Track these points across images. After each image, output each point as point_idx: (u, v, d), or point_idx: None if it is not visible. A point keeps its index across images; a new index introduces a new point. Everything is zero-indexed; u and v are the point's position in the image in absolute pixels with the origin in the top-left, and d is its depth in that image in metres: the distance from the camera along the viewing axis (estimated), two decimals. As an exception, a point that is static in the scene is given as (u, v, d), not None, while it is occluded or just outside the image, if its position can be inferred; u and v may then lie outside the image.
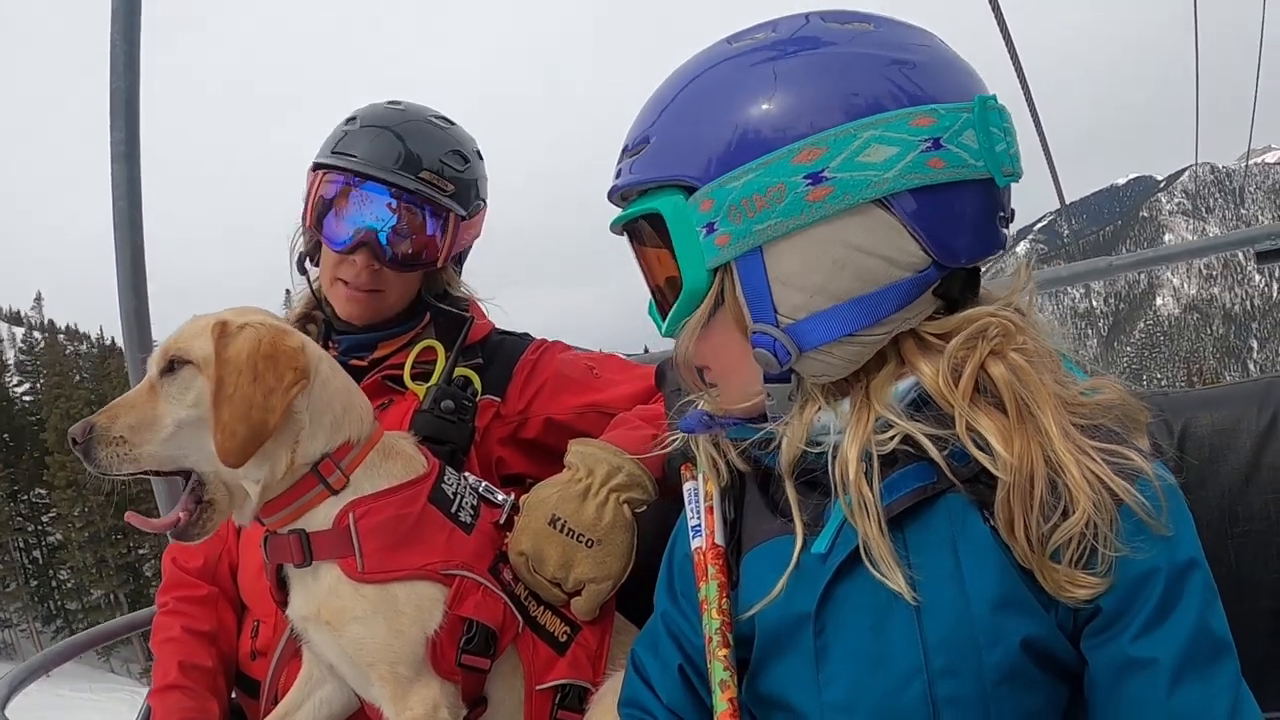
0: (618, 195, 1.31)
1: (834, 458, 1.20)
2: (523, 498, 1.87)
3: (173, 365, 1.67)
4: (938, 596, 1.16)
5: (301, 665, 1.88)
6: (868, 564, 1.17)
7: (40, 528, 61.80)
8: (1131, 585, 1.12)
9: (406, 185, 2.00)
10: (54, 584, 61.18)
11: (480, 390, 2.07)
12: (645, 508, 1.86)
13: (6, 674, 2.28)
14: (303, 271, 2.18)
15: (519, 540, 1.80)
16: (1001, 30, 6.45)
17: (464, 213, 2.08)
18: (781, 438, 1.24)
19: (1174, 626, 1.11)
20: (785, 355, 1.19)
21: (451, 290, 2.19)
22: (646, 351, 2.90)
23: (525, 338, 2.25)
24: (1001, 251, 1.25)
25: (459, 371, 2.06)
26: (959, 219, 1.18)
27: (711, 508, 1.36)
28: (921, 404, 1.19)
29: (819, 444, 1.23)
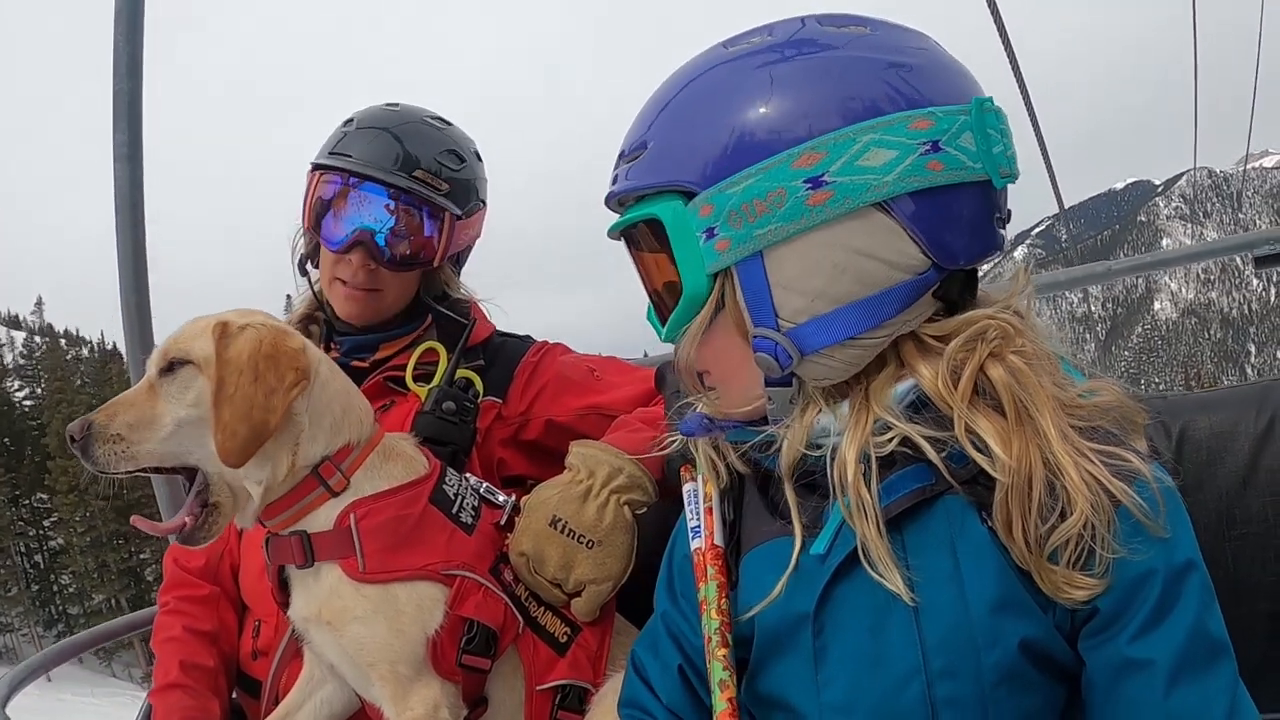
0: (615, 201, 1.31)
1: (833, 459, 1.21)
2: (524, 499, 1.88)
3: (172, 365, 1.67)
4: (936, 597, 1.16)
5: (303, 665, 1.89)
6: (866, 565, 1.18)
7: (42, 532, 61.80)
8: (1129, 586, 1.12)
9: (401, 185, 2.01)
10: (55, 588, 61.19)
11: (482, 392, 2.08)
12: (646, 509, 1.87)
13: (7, 673, 2.28)
14: (304, 273, 2.19)
15: (520, 541, 1.81)
16: (1001, 36, 6.47)
17: (459, 212, 2.09)
18: (782, 441, 1.25)
19: (1171, 628, 1.11)
20: (787, 359, 1.20)
21: (450, 291, 2.19)
22: (646, 356, 2.90)
23: (526, 340, 2.26)
24: (999, 253, 1.26)
25: (461, 373, 2.07)
26: (958, 221, 1.18)
27: (711, 509, 1.37)
28: (920, 406, 1.19)
29: (819, 446, 1.23)
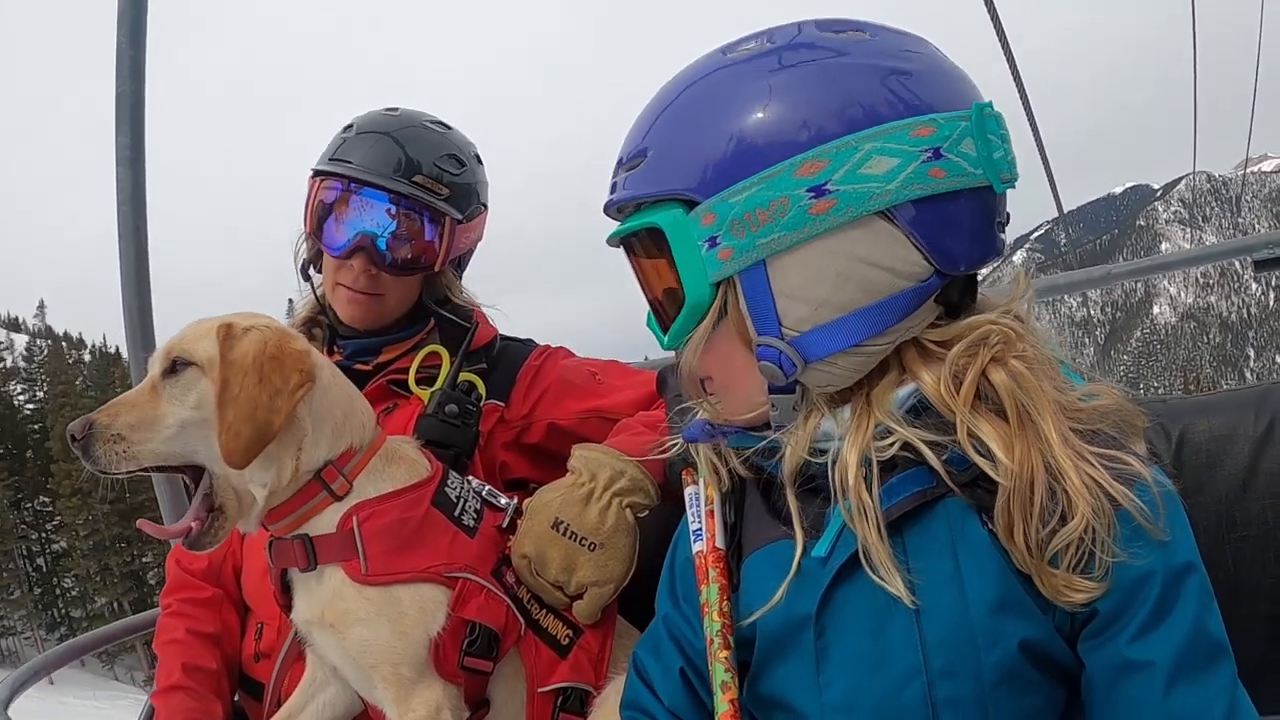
0: (614, 209, 1.31)
1: (834, 464, 1.21)
2: (526, 501, 1.89)
3: (175, 366, 1.67)
4: (937, 599, 1.17)
5: (305, 668, 1.89)
6: (867, 568, 1.18)
7: (44, 535, 61.82)
8: (1128, 588, 1.13)
9: (402, 190, 2.02)
10: (58, 592, 61.22)
11: (484, 395, 2.09)
12: (647, 512, 1.87)
13: (8, 676, 2.28)
14: (306, 278, 2.20)
15: (522, 543, 1.81)
16: (1001, 40, 6.48)
17: (460, 216, 2.09)
18: (785, 447, 1.25)
19: (1170, 629, 1.12)
20: (791, 367, 1.20)
21: (452, 295, 2.20)
22: (647, 360, 2.91)
23: (529, 343, 2.26)
24: (1000, 258, 1.26)
25: (463, 376, 2.07)
26: (959, 227, 1.19)
27: (712, 512, 1.37)
28: (921, 410, 1.20)
29: (821, 451, 1.23)
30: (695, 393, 1.34)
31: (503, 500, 1.89)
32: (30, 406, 67.06)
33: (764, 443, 1.27)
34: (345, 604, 1.68)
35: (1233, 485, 1.82)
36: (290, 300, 2.24)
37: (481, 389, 2.09)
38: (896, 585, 1.16)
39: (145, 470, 1.69)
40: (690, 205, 1.21)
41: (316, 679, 1.87)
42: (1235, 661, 1.15)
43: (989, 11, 6.01)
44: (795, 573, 1.24)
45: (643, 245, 1.28)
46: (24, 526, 61.09)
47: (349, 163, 2.05)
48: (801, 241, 1.16)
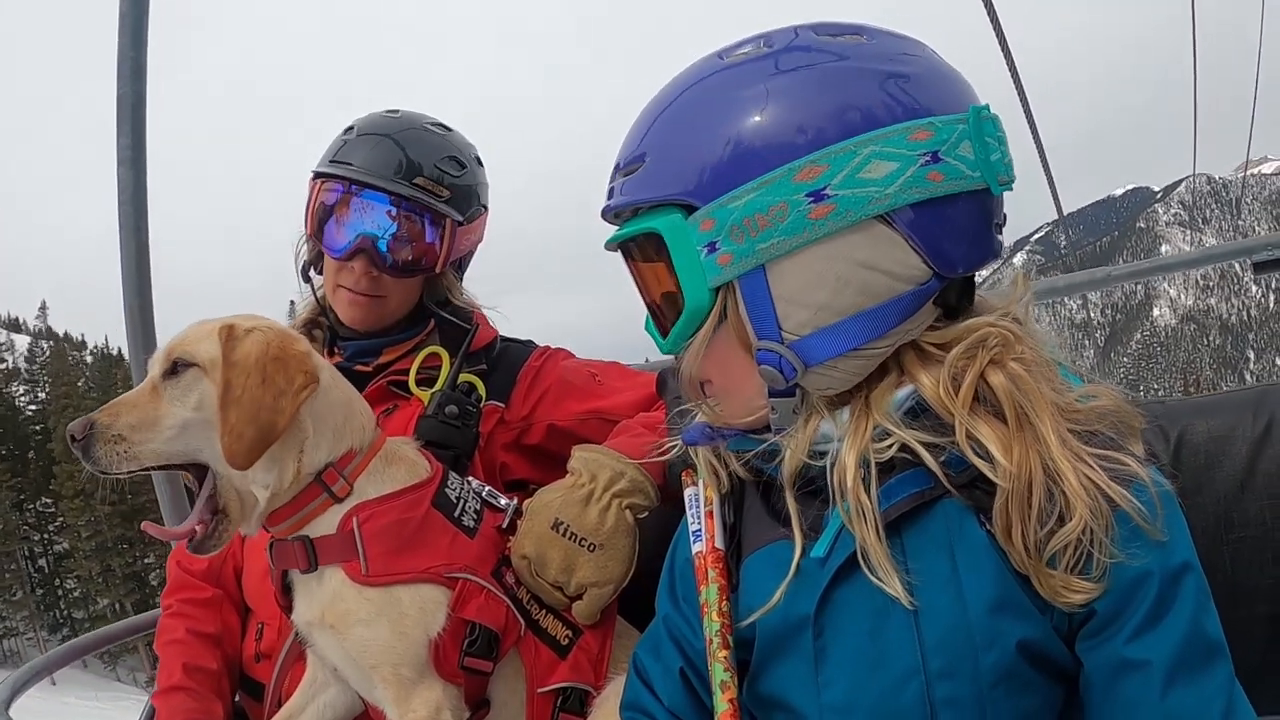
0: (611, 214, 1.31)
1: (833, 465, 1.22)
2: (526, 502, 1.89)
3: (176, 367, 1.68)
4: (935, 600, 1.18)
5: (306, 668, 1.89)
6: (865, 569, 1.19)
7: (47, 537, 61.86)
8: (1126, 588, 1.13)
9: (403, 192, 2.02)
10: (60, 592, 61.26)
11: (484, 396, 2.09)
12: (647, 513, 1.87)
13: (9, 676, 2.28)
14: (307, 280, 2.20)
15: (522, 544, 1.81)
16: (1001, 44, 6.49)
17: (461, 218, 2.10)
18: (785, 449, 1.26)
19: (1168, 629, 1.12)
20: (791, 371, 1.21)
21: (453, 297, 2.20)
22: (647, 362, 2.91)
23: (529, 345, 2.27)
24: (997, 259, 1.27)
25: (463, 377, 2.08)
26: (958, 230, 1.19)
27: (711, 512, 1.38)
28: (919, 411, 1.20)
29: (820, 454, 1.24)
30: (695, 396, 1.34)
31: (502, 501, 1.89)
32: (32, 408, 67.11)
33: (763, 445, 1.28)
34: (345, 605, 1.68)
35: (1231, 486, 1.83)
36: (292, 302, 2.24)
37: (481, 390, 2.09)
38: (894, 586, 1.17)
39: (146, 470, 1.69)
40: (688, 210, 1.21)
41: (317, 679, 1.87)
42: (1233, 662, 1.16)
43: (988, 13, 6.02)
44: (794, 573, 1.24)
45: (641, 250, 1.28)
46: (26, 527, 61.19)
47: (350, 165, 2.05)
48: (801, 246, 1.17)
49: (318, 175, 2.10)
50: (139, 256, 2.79)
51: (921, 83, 1.20)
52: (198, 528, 1.68)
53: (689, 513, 1.41)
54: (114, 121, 2.78)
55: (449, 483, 1.83)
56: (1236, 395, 1.96)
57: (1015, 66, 7.01)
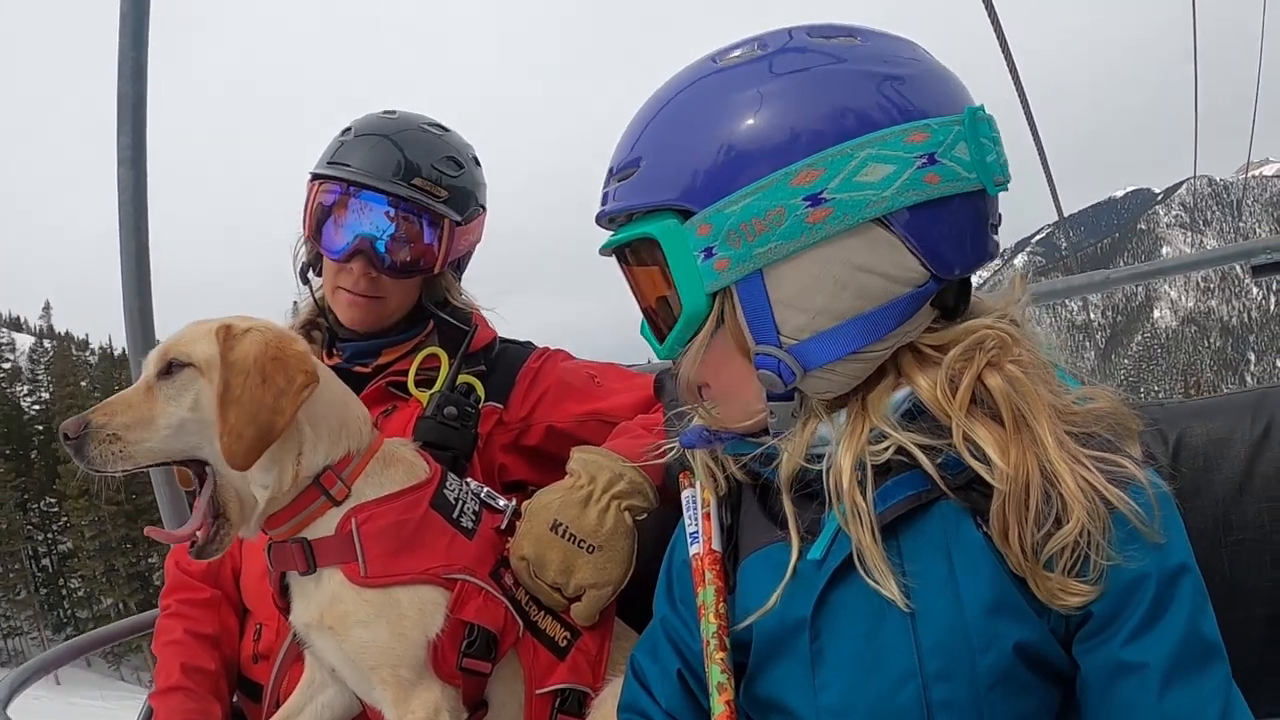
0: (606, 219, 1.30)
1: (829, 468, 1.21)
2: (524, 504, 1.89)
3: (170, 367, 1.67)
4: (932, 602, 1.17)
5: (304, 669, 1.89)
6: (861, 571, 1.19)
7: (50, 536, 61.95)
8: (1123, 590, 1.13)
9: (401, 193, 2.02)
10: (64, 592, 61.35)
11: (483, 397, 2.09)
12: (646, 515, 1.87)
13: (7, 675, 2.28)
14: (305, 281, 2.20)
15: (521, 545, 1.81)
16: (1001, 45, 6.49)
17: (459, 218, 2.10)
18: (782, 453, 1.25)
19: (1165, 631, 1.12)
20: (790, 376, 1.20)
21: (452, 298, 2.20)
22: (650, 363, 2.91)
23: (528, 346, 2.27)
24: (993, 260, 1.27)
25: (462, 378, 2.08)
26: (955, 231, 1.19)
27: (709, 514, 1.38)
28: (916, 414, 1.20)
29: (818, 457, 1.24)
30: (692, 400, 1.34)
31: (501, 502, 1.89)
32: (36, 408, 67.20)
33: (761, 449, 1.28)
34: (344, 606, 1.68)
35: (1229, 489, 1.83)
36: (295, 303, 2.24)
37: (480, 391, 2.09)
38: (890, 588, 1.17)
39: (140, 469, 1.69)
40: (684, 215, 1.21)
41: (315, 680, 1.87)
42: (1231, 664, 1.16)
43: (988, 14, 6.02)
44: (791, 576, 1.24)
45: (635, 255, 1.27)
46: (30, 527, 61.31)
47: (347, 166, 2.05)
48: (798, 250, 1.16)
49: (315, 176, 2.10)
50: (139, 256, 2.79)
51: (917, 84, 1.20)
52: (199, 533, 1.67)
53: (686, 515, 1.41)
54: (114, 121, 2.79)
55: (447, 484, 1.83)
56: (1235, 398, 1.96)
57: (1015, 68, 7.02)
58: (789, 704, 1.26)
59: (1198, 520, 1.73)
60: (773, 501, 1.30)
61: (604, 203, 1.29)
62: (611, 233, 1.30)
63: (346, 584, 1.68)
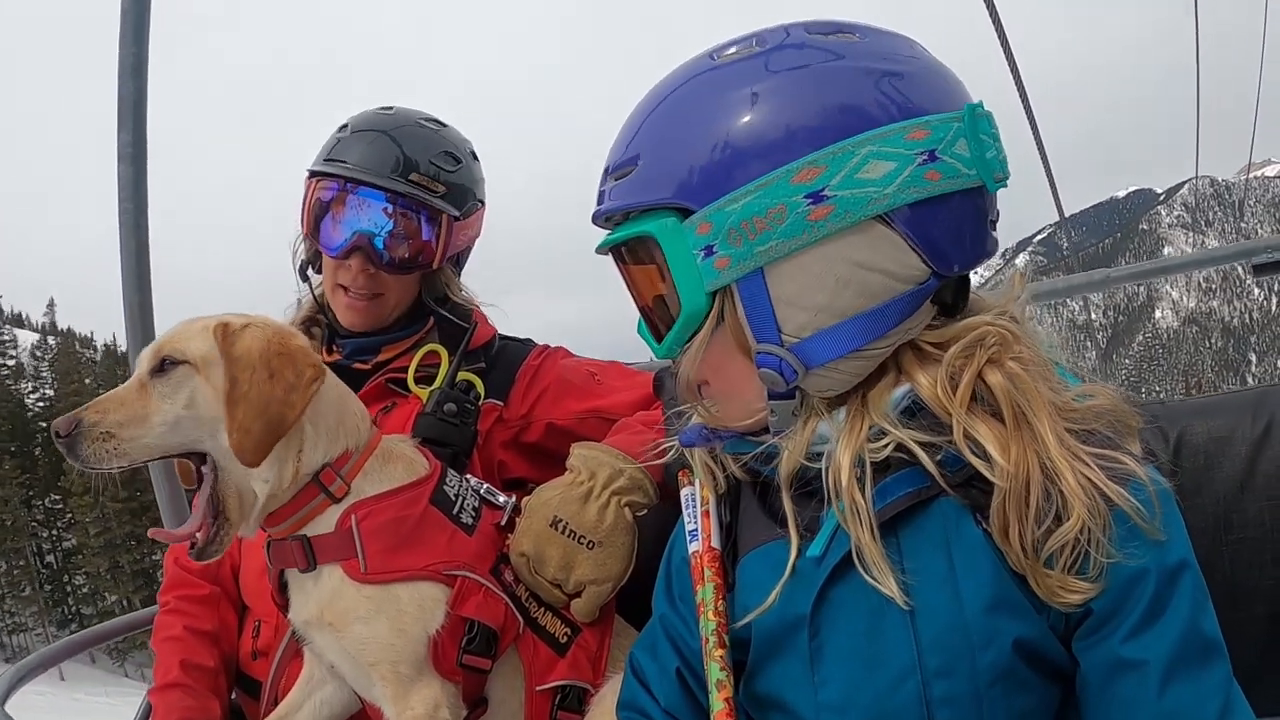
0: (603, 218, 1.30)
1: (828, 466, 1.21)
2: (524, 500, 1.89)
3: (164, 365, 1.66)
4: (931, 599, 1.17)
5: (302, 666, 1.89)
6: (860, 569, 1.19)
7: (55, 533, 62.08)
8: (1122, 587, 1.13)
9: (398, 189, 2.02)
10: (69, 589, 61.49)
11: (483, 394, 2.09)
12: (646, 511, 1.87)
13: (7, 671, 2.28)
14: (305, 279, 2.20)
15: (520, 541, 1.81)
16: (1003, 45, 6.48)
17: (457, 214, 2.10)
18: (782, 451, 1.25)
19: (1165, 627, 1.12)
20: (791, 374, 1.20)
21: (451, 294, 2.20)
22: (652, 362, 2.91)
23: (528, 343, 2.27)
24: (991, 257, 1.26)
25: (462, 375, 2.07)
26: (955, 228, 1.19)
27: (708, 512, 1.37)
28: (915, 411, 1.20)
29: (817, 455, 1.23)
30: (691, 398, 1.34)
31: (501, 498, 1.89)
32: (40, 405, 67.28)
33: (761, 448, 1.27)
34: (344, 603, 1.68)
35: (1230, 487, 1.82)
36: (299, 299, 2.24)
37: (480, 388, 2.09)
38: (889, 585, 1.16)
39: (137, 464, 1.68)
40: (682, 213, 1.20)
41: (314, 677, 1.87)
42: (1231, 663, 1.15)
43: (989, 12, 6.01)
44: (790, 573, 1.24)
45: (633, 254, 1.27)
46: (35, 524, 61.46)
47: (345, 162, 2.05)
48: (800, 248, 1.16)
49: (313, 173, 2.09)
50: (139, 254, 2.79)
51: (916, 81, 1.19)
52: (199, 534, 1.67)
53: (685, 512, 1.41)
54: (114, 120, 2.79)
55: (447, 480, 1.83)
56: (1236, 396, 1.96)
57: (1017, 67, 7.01)
58: (788, 701, 1.26)
59: (1198, 518, 1.73)
60: (772, 499, 1.30)
61: (600, 201, 1.28)
62: (608, 231, 1.29)
63: (346, 580, 1.68)
